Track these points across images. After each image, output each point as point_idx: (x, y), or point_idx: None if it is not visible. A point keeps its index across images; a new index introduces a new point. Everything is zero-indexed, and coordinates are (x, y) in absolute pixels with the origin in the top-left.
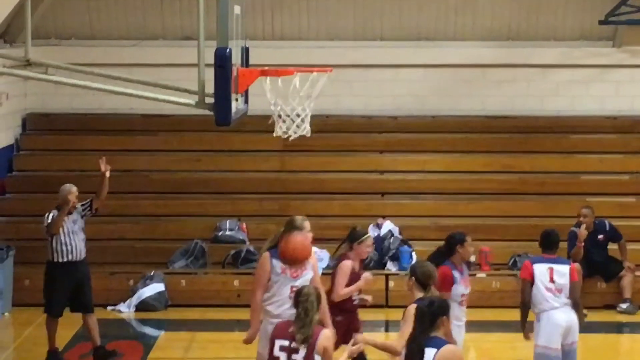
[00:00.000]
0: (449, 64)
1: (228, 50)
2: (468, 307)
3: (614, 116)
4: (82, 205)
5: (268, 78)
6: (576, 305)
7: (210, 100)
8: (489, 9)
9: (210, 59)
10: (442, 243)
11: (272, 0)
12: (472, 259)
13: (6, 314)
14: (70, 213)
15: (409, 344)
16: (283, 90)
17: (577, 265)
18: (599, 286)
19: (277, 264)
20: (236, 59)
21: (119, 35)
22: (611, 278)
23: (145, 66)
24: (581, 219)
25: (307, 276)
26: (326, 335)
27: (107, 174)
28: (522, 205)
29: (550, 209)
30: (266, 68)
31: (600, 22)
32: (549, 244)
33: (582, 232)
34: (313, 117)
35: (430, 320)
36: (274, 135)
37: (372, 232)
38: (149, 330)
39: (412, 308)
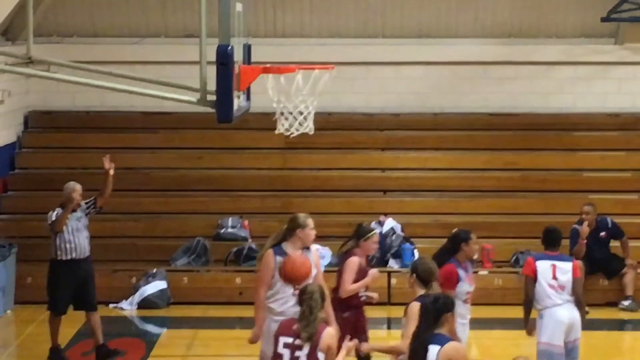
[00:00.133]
0: (450, 62)
1: (230, 47)
2: (470, 304)
3: (616, 113)
4: (86, 203)
5: (270, 75)
6: (579, 302)
7: (212, 97)
8: (491, 6)
9: (212, 57)
10: (444, 240)
11: None
12: (475, 256)
13: (8, 311)
14: (74, 211)
15: (413, 340)
16: (285, 88)
17: (579, 263)
18: (601, 283)
19: (281, 262)
20: (238, 56)
21: (120, 33)
22: (613, 275)
23: (147, 64)
24: (583, 216)
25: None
26: (330, 333)
27: (112, 172)
28: (524, 202)
29: (553, 206)
30: (268, 65)
31: (603, 19)
32: (551, 241)
33: (585, 229)
34: (315, 114)
35: (434, 317)
36: (276, 132)
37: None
38: (151, 328)
39: (414, 305)
